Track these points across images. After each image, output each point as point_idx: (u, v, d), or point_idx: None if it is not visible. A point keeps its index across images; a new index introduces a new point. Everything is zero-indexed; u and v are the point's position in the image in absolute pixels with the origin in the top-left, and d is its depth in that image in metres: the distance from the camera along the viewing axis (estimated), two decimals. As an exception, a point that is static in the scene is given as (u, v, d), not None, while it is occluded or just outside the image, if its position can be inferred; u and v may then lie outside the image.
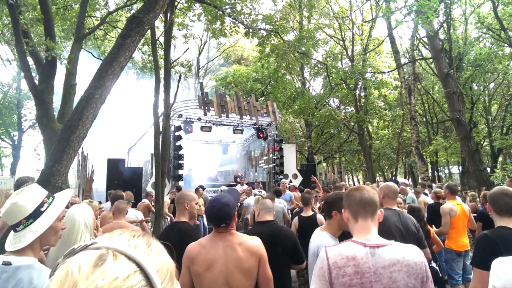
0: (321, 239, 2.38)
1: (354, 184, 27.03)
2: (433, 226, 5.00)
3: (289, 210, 7.81)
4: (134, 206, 6.87)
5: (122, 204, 3.84)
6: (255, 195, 8.31)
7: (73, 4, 11.17)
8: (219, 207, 2.17)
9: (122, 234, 0.63)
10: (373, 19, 21.21)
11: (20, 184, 3.69)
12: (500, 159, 22.03)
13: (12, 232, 1.65)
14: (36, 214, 1.65)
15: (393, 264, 1.50)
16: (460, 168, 24.24)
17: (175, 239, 2.77)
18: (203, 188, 10.10)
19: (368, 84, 20.47)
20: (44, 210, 1.69)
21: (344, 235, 2.52)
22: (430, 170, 24.00)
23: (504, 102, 21.44)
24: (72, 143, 3.13)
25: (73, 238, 2.45)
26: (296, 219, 4.81)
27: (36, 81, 6.83)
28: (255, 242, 2.19)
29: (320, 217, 4.67)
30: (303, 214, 4.84)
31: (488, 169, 15.17)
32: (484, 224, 4.75)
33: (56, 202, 1.79)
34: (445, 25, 16.01)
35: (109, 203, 5.48)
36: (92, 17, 12.18)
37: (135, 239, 0.62)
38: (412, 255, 1.53)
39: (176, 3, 8.81)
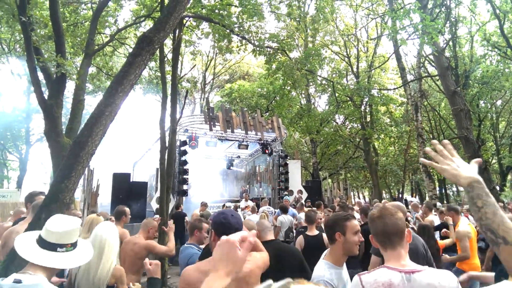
0: (317, 271, 2.18)
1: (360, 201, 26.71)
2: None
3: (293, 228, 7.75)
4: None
5: (145, 221, 4.10)
6: (263, 212, 8.29)
7: (83, 21, 11.42)
8: (231, 214, 2.02)
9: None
10: (378, 37, 21.41)
11: (31, 197, 3.71)
12: (509, 177, 21.74)
13: (41, 248, 1.70)
14: (75, 244, 1.82)
15: None
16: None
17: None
18: (205, 205, 10.04)
19: (374, 100, 20.49)
20: (77, 244, 1.85)
21: (349, 262, 2.37)
22: (437, 188, 23.72)
23: (512, 119, 21.33)
24: (81, 160, 3.14)
25: (102, 256, 2.50)
26: (301, 238, 4.55)
27: (46, 96, 6.91)
28: (263, 262, 2.12)
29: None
30: (308, 233, 4.65)
31: (497, 187, 14.96)
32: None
33: (84, 243, 1.95)
34: (451, 43, 16.09)
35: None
36: (101, 34, 12.41)
37: None
38: (448, 280, 1.50)
39: (184, 21, 8.97)
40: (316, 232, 4.66)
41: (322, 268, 2.15)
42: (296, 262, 2.99)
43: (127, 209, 4.63)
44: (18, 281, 1.53)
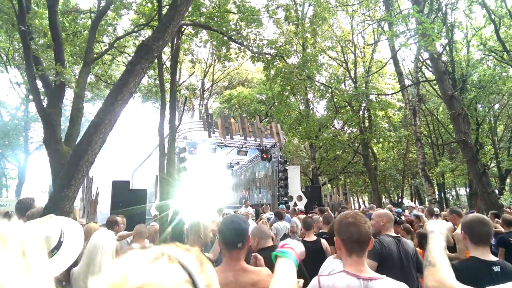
0: (334, 265, 2.27)
1: (359, 207, 26.71)
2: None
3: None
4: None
5: (142, 228, 4.00)
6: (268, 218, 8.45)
7: (82, 30, 11.48)
8: (239, 223, 2.02)
9: (177, 247, 0.62)
10: (376, 42, 21.55)
11: (21, 206, 3.66)
12: (508, 180, 21.78)
13: None
14: (58, 245, 1.75)
15: None
16: (468, 190, 23.95)
17: None
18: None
19: (373, 105, 20.55)
20: (62, 241, 1.78)
21: None
22: (437, 192, 23.72)
23: (510, 123, 21.39)
24: (81, 168, 3.15)
25: (96, 262, 2.49)
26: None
27: (45, 104, 6.93)
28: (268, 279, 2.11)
29: (325, 241, 4.54)
30: (306, 238, 4.67)
31: (496, 191, 14.97)
32: (507, 250, 4.60)
33: (71, 233, 1.85)
34: (447, 47, 16.20)
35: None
36: (100, 42, 12.47)
37: (189, 254, 0.61)
38: None
39: (182, 29, 9.03)
40: (314, 237, 4.68)
41: (337, 264, 2.25)
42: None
43: (119, 218, 4.61)
44: None
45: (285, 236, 7.54)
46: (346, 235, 1.69)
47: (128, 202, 11.23)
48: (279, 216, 7.90)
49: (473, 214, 2.50)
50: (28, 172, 23.08)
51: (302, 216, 9.04)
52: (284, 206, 10.48)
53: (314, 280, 1.62)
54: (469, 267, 2.18)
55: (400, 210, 11.15)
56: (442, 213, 7.85)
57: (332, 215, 6.72)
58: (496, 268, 2.14)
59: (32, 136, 22.33)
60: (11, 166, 24.12)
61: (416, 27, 11.10)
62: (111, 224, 4.44)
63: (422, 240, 4.39)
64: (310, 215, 8.88)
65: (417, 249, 4.50)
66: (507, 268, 2.15)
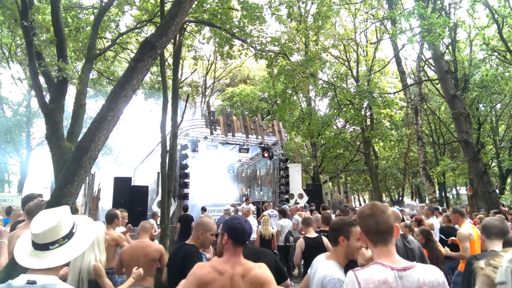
0: (328, 270, 2.21)
1: (360, 205, 26.67)
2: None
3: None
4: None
5: (147, 224, 4.03)
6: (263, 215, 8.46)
7: (84, 26, 11.46)
8: (249, 223, 2.14)
9: None
10: (378, 41, 21.50)
11: (27, 200, 3.68)
12: (508, 180, 21.77)
13: (35, 250, 1.65)
14: (70, 235, 1.74)
15: (420, 286, 1.53)
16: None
17: (179, 259, 2.85)
18: (205, 210, 10.05)
19: (376, 103, 20.49)
20: (74, 232, 1.78)
21: (349, 266, 2.41)
22: (437, 191, 23.71)
23: (512, 123, 21.33)
24: (84, 164, 3.16)
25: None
26: (301, 240, 4.62)
27: (47, 100, 6.93)
28: (266, 273, 2.09)
29: (325, 239, 4.58)
30: (308, 235, 4.74)
31: (497, 191, 14.96)
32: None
33: (83, 226, 1.88)
34: (450, 47, 16.16)
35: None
36: (103, 39, 12.45)
37: None
38: (436, 275, 1.57)
39: (185, 26, 9.02)
40: (315, 234, 4.73)
41: (334, 268, 2.21)
42: (272, 260, 3.09)
43: (118, 212, 4.63)
44: (32, 282, 1.51)
45: (289, 234, 7.67)
46: (365, 227, 1.74)
47: (129, 199, 11.29)
48: (284, 214, 8.01)
49: (487, 218, 3.00)
50: (30, 168, 23.18)
51: (303, 213, 9.10)
52: (287, 206, 10.59)
53: (350, 275, 1.62)
54: None
55: (399, 208, 11.19)
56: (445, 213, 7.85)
57: (332, 213, 6.77)
58: None
59: (34, 132, 22.38)
60: (13, 161, 24.20)
61: (421, 23, 11.11)
62: (111, 217, 4.47)
63: (429, 237, 4.48)
64: (309, 213, 9.01)
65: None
66: None
